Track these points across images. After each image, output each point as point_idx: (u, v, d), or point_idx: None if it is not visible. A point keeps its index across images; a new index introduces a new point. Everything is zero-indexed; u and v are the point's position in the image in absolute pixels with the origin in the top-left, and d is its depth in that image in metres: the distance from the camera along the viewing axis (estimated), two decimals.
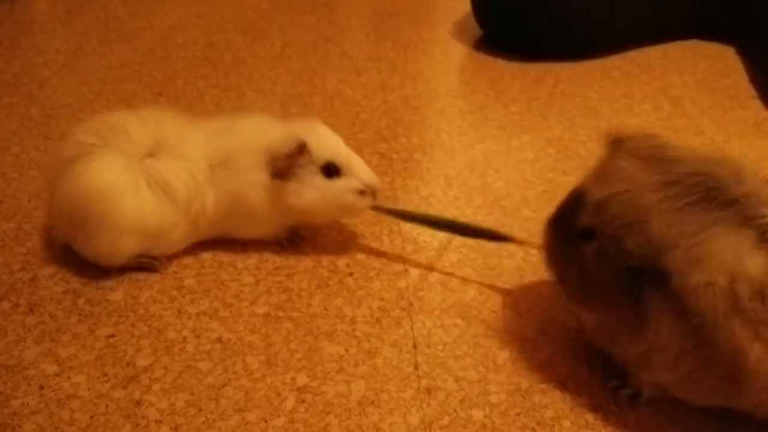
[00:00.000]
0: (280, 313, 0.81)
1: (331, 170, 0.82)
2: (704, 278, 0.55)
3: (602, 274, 0.65)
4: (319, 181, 0.82)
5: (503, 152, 1.19)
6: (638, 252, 0.59)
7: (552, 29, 1.55)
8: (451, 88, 1.42)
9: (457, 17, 1.78)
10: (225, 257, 0.89)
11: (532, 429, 0.69)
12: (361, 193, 0.84)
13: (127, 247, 0.81)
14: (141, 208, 0.79)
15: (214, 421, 0.67)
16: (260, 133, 0.84)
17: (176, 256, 0.88)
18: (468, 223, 0.92)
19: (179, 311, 0.80)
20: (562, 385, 0.74)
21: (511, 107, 1.35)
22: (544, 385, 0.74)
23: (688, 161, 0.61)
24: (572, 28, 1.56)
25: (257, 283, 0.85)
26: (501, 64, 1.55)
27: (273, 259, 0.89)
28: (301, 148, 0.80)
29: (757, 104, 1.43)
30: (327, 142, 0.83)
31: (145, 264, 0.84)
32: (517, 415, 0.70)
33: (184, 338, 0.76)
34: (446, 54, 1.60)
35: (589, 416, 0.70)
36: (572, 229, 0.68)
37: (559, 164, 1.16)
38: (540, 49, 1.58)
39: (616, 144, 0.67)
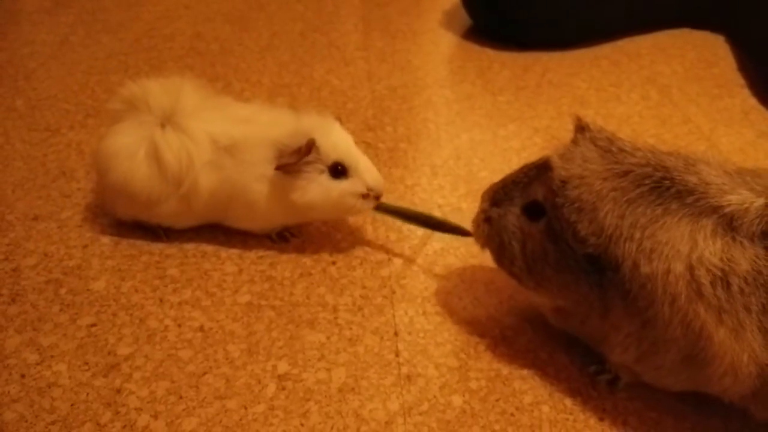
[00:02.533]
0: (263, 302, 0.81)
1: (338, 170, 0.80)
2: (662, 266, 0.56)
3: (554, 257, 0.64)
4: (325, 180, 0.80)
5: (489, 141, 1.19)
6: (591, 240, 0.60)
7: (541, 18, 1.55)
8: (438, 77, 1.42)
9: (446, 7, 1.77)
10: (208, 247, 0.89)
11: (511, 414, 0.69)
12: (364, 196, 0.82)
13: (121, 207, 0.87)
14: (130, 173, 0.81)
15: (194, 408, 0.67)
16: (274, 126, 0.82)
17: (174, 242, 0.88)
18: (440, 218, 0.90)
19: (161, 300, 0.80)
20: (542, 371, 0.74)
21: (498, 96, 1.35)
22: (524, 371, 0.74)
23: (638, 153, 0.62)
24: (561, 17, 1.56)
25: (240, 272, 0.85)
26: (489, 53, 1.55)
27: (256, 249, 0.89)
28: (310, 146, 0.78)
29: (745, 93, 1.43)
30: (337, 142, 0.81)
31: (148, 228, 0.89)
32: (497, 400, 0.71)
33: (166, 327, 0.77)
34: (435, 43, 1.59)
35: (568, 401, 0.71)
36: (519, 200, 0.68)
37: (545, 153, 1.16)
38: (529, 38, 1.57)
39: (580, 131, 0.67)
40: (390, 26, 1.64)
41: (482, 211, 0.73)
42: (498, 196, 0.71)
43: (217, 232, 0.90)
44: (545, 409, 0.70)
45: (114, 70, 1.34)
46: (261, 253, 0.89)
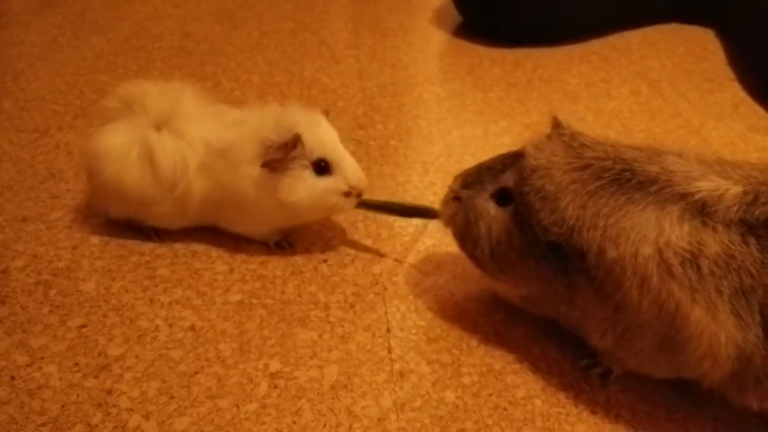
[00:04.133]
0: (254, 301, 0.81)
1: (321, 167, 0.79)
2: (629, 250, 0.57)
3: (519, 242, 0.66)
4: (308, 176, 0.78)
5: (480, 138, 1.19)
6: (553, 229, 0.61)
7: (531, 14, 1.55)
8: (429, 74, 1.42)
9: (436, 4, 1.77)
10: (199, 246, 0.88)
11: (504, 409, 0.69)
12: (346, 194, 0.81)
13: (112, 207, 0.87)
14: (122, 175, 0.80)
15: (185, 408, 0.67)
16: (263, 125, 0.80)
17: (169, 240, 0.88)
18: (412, 204, 0.92)
19: (152, 300, 0.80)
20: (534, 365, 0.74)
21: (489, 93, 1.35)
22: (516, 366, 0.74)
23: (598, 147, 0.63)
24: (551, 13, 1.56)
25: (231, 271, 0.85)
26: (480, 50, 1.55)
27: (247, 247, 0.89)
28: (296, 141, 0.76)
29: (735, 86, 1.43)
30: (323, 138, 0.79)
31: (139, 229, 0.89)
32: (489, 395, 0.71)
33: (157, 327, 0.76)
34: (425, 41, 1.59)
35: (561, 395, 0.71)
36: (491, 185, 0.70)
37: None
38: (519, 34, 1.57)
39: (555, 127, 0.69)
40: (380, 24, 1.64)
41: (452, 190, 0.74)
42: (470, 179, 0.73)
43: (208, 231, 0.90)
44: (538, 403, 0.70)
45: (103, 70, 1.34)
46: (252, 251, 0.88)
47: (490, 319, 0.80)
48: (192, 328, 0.76)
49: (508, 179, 0.69)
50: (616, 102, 1.34)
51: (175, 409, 0.67)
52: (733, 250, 0.54)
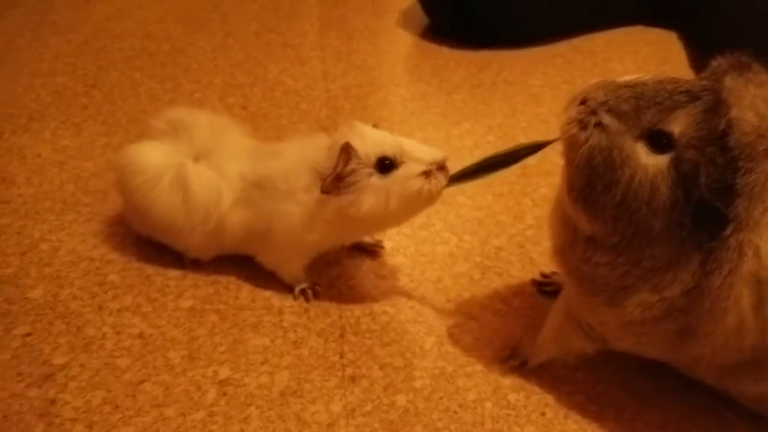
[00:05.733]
0: (206, 306, 0.80)
1: (386, 165, 0.71)
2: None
3: (663, 202, 0.55)
4: (377, 181, 0.71)
5: (443, 140, 1.19)
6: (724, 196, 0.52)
7: (497, 17, 1.56)
8: (394, 76, 1.42)
9: (403, 6, 1.77)
10: (151, 251, 0.87)
11: (454, 412, 0.69)
12: (427, 174, 0.72)
13: (141, 227, 0.85)
14: (151, 199, 0.78)
15: (130, 417, 0.66)
16: (304, 152, 0.76)
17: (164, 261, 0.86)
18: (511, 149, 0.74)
19: (100, 308, 0.78)
20: (486, 368, 0.74)
21: (453, 95, 1.35)
22: (469, 369, 0.74)
23: None
24: (518, 15, 1.57)
25: (184, 276, 0.84)
26: (446, 52, 1.55)
27: None
28: (348, 151, 0.70)
29: None
30: (372, 138, 0.73)
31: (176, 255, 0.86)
32: (440, 398, 0.71)
33: (104, 335, 0.75)
34: (392, 43, 1.59)
35: (512, 396, 0.71)
36: (648, 122, 0.55)
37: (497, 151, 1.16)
38: (486, 37, 1.58)
39: (745, 66, 0.57)
40: (347, 26, 1.63)
41: (590, 106, 0.58)
42: (622, 104, 0.57)
43: None
44: (488, 405, 0.70)
45: (60, 72, 1.31)
46: None
47: (445, 322, 0.80)
48: (140, 335, 0.75)
49: (676, 122, 0.54)
50: None
51: (119, 419, 0.66)
52: None
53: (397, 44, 1.59)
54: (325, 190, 0.71)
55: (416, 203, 0.74)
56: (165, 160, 0.79)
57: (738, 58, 0.56)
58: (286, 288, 0.83)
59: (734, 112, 0.51)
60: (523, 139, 1.21)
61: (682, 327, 0.58)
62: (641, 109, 0.56)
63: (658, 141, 0.55)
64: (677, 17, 1.75)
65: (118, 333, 0.75)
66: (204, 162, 0.79)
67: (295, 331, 0.77)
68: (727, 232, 0.52)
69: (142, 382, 0.69)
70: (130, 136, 1.09)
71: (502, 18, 1.56)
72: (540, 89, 1.41)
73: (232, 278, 0.84)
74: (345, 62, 1.45)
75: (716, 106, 0.53)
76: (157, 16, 1.58)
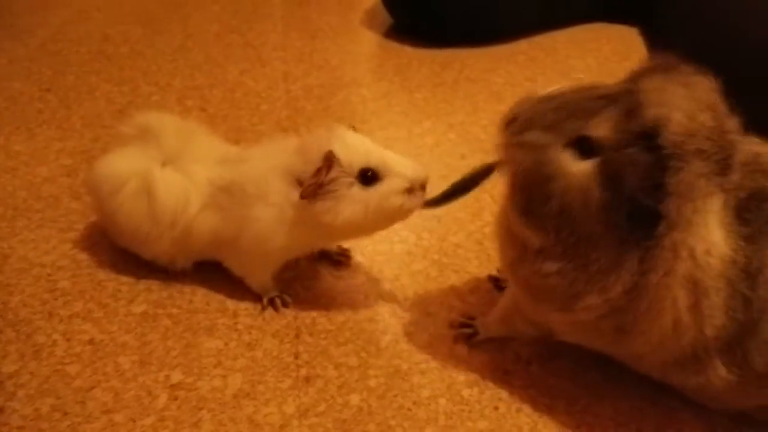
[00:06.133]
0: (159, 311, 0.79)
1: (368, 177, 0.70)
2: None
3: (597, 204, 0.55)
4: (358, 192, 0.70)
5: (404, 139, 1.19)
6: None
7: (460, 15, 1.57)
8: (356, 76, 1.42)
9: (367, 5, 1.77)
10: (104, 256, 0.86)
11: (408, 409, 0.69)
12: (409, 191, 0.72)
13: (112, 234, 0.85)
14: (117, 206, 0.77)
15: (79, 424, 0.65)
16: (274, 156, 0.75)
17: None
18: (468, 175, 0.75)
19: (50, 314, 0.77)
20: (441, 365, 0.75)
21: (415, 93, 1.36)
22: (423, 366, 0.75)
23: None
24: (481, 14, 1.58)
25: (137, 281, 0.83)
26: (409, 51, 1.55)
27: None
28: (330, 159, 0.69)
29: None
30: (357, 147, 0.71)
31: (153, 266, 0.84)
32: (395, 396, 0.71)
33: (54, 342, 0.74)
34: (355, 42, 1.59)
35: (465, 392, 0.72)
36: (571, 130, 0.56)
37: (458, 148, 1.17)
38: (449, 35, 1.59)
39: (667, 67, 0.58)
40: (310, 26, 1.63)
41: (511, 130, 0.59)
42: (542, 118, 0.58)
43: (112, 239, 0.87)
44: (442, 401, 0.71)
45: (16, 76, 1.29)
46: None
47: (401, 320, 0.80)
48: (91, 341, 0.74)
49: (597, 127, 0.55)
50: None
51: (68, 426, 0.65)
52: None
53: (361, 44, 1.59)
54: (304, 196, 0.70)
55: (393, 218, 0.74)
56: (131, 166, 0.78)
57: (665, 60, 0.57)
58: (242, 290, 0.82)
59: (655, 112, 0.52)
60: (483, 136, 1.22)
61: (619, 325, 0.60)
62: (564, 119, 0.57)
63: (583, 147, 0.56)
64: (637, 13, 1.78)
65: (68, 339, 0.74)
66: (171, 166, 0.78)
67: (250, 333, 0.77)
68: (661, 229, 0.53)
69: (92, 388, 0.69)
70: (84, 140, 1.08)
71: (465, 17, 1.57)
72: (502, 87, 1.42)
73: (187, 282, 0.83)
74: (307, 62, 1.45)
75: (634, 107, 0.53)
76: (117, 18, 1.56)
